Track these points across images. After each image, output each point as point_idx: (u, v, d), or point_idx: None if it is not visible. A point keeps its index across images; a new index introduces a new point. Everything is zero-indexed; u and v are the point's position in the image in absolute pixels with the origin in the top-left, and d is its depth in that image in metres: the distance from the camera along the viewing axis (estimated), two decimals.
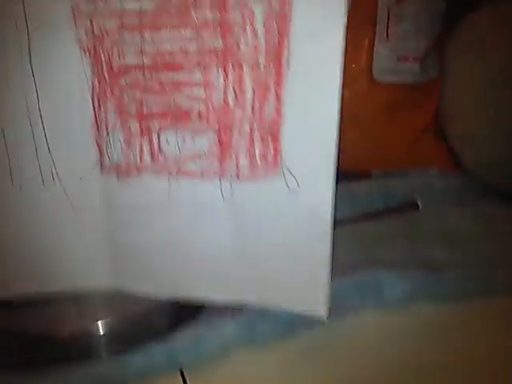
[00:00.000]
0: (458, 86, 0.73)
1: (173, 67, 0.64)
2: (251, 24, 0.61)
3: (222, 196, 0.66)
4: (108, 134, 0.66)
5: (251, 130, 0.65)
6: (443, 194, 0.79)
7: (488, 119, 0.70)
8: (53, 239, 0.67)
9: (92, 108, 0.65)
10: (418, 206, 0.72)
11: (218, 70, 0.63)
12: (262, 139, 0.65)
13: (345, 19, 0.58)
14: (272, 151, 0.65)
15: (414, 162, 0.83)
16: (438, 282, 0.52)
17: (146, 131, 0.66)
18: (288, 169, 0.66)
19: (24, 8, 0.61)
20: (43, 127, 0.66)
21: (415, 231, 0.71)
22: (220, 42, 0.62)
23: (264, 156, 0.66)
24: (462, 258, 0.63)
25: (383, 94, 0.66)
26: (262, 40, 0.61)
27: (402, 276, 0.53)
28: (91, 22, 0.63)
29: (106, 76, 0.64)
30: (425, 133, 0.80)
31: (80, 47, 0.64)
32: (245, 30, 0.61)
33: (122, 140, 0.66)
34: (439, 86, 0.77)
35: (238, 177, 0.66)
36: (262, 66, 0.62)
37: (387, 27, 0.76)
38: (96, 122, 0.65)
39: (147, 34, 0.63)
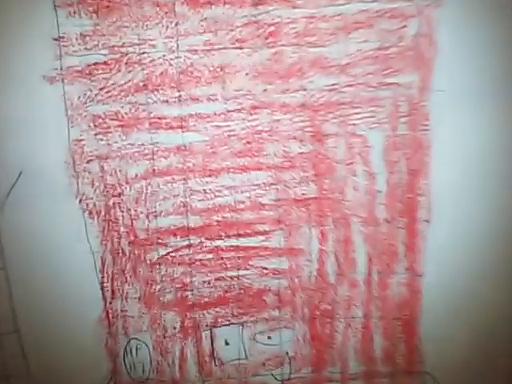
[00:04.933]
0: None
1: (236, 229, 0.57)
2: (364, 160, 0.55)
3: None
4: (128, 336, 0.58)
5: (367, 317, 0.58)
6: None
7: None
8: None
9: (101, 298, 0.58)
10: None
11: (309, 229, 0.56)
12: (387, 332, 0.58)
13: None
14: (404, 350, 0.59)
15: None
16: None
17: (191, 328, 0.59)
18: (434, 377, 0.59)
19: None
20: None
21: None
22: (313, 187, 0.55)
23: (390, 357, 0.59)
24: None
25: None
26: (384, 183, 0.55)
27: None
28: (102, 167, 0.56)
29: (126, 249, 0.57)
30: None
31: (82, 208, 0.56)
32: (353, 168, 0.55)
33: (150, 344, 0.59)
34: None
35: None
36: (383, 223, 0.56)
37: None
38: (108, 318, 0.58)
39: (195, 182, 0.56)
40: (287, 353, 0.59)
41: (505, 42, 0.52)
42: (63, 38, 0.52)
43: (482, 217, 0.56)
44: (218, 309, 0.58)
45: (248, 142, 0.55)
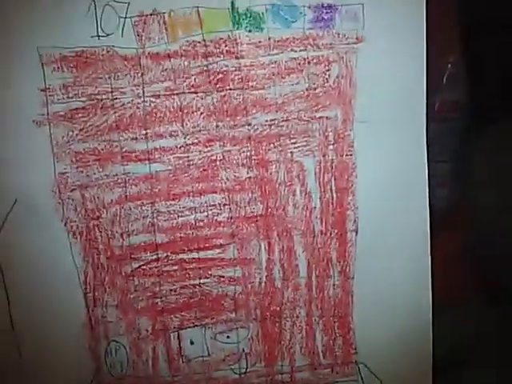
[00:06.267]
0: None
1: (197, 243, 0.61)
2: (301, 182, 0.60)
3: None
4: (108, 338, 0.61)
5: (309, 316, 0.62)
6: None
7: None
8: None
9: (84, 305, 0.61)
10: None
11: (258, 242, 0.61)
12: (326, 328, 0.63)
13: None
14: (341, 344, 0.63)
15: None
16: None
17: (161, 331, 0.62)
18: (366, 365, 0.63)
19: None
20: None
21: None
22: (260, 206, 0.60)
23: (330, 351, 0.63)
24: None
25: None
26: (318, 201, 0.60)
27: None
28: (83, 195, 0.60)
29: (104, 263, 0.61)
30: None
31: (67, 230, 0.60)
32: (293, 189, 0.60)
33: (127, 345, 0.62)
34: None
35: (293, 383, 0.63)
36: (319, 234, 0.61)
37: None
38: (90, 323, 0.61)
39: (161, 205, 0.60)
40: (243, 350, 0.62)
41: (410, 73, 0.58)
42: (49, 88, 0.57)
43: (401, 225, 0.60)
44: (183, 313, 0.61)
45: (204, 170, 0.59)
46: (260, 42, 0.57)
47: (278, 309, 0.61)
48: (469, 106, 0.61)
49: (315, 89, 0.58)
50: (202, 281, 0.61)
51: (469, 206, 0.63)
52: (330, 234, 0.61)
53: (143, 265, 0.61)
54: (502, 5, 0.58)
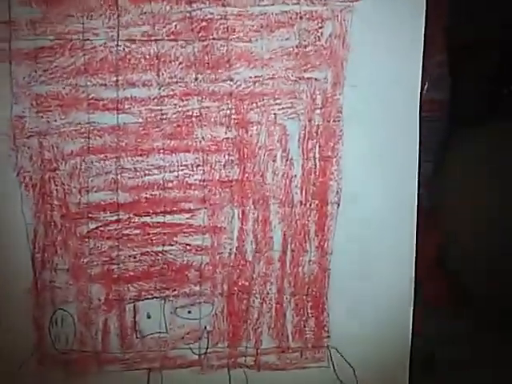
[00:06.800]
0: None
1: (163, 206, 0.66)
2: (283, 147, 0.66)
3: None
4: (54, 306, 0.66)
5: (280, 294, 0.68)
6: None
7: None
8: None
9: (31, 267, 0.65)
10: None
11: (231, 209, 0.66)
12: (298, 308, 0.68)
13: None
14: (314, 326, 0.68)
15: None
16: None
17: (115, 301, 0.66)
18: (338, 350, 0.68)
19: None
20: None
21: None
22: (236, 170, 0.66)
23: (301, 333, 0.68)
24: None
25: None
26: (299, 168, 0.66)
27: None
28: (40, 143, 0.64)
29: (58, 221, 0.65)
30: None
31: (19, 180, 0.64)
32: (273, 154, 0.66)
33: (75, 315, 0.66)
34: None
35: (258, 367, 0.68)
36: (298, 205, 0.66)
37: None
38: (36, 287, 0.65)
39: (126, 161, 0.65)
40: (205, 327, 0.66)
41: (407, 43, 0.64)
42: (14, 22, 0.61)
43: (387, 202, 0.66)
44: (142, 282, 0.66)
45: (178, 126, 0.64)
46: None
47: (247, 284, 0.66)
48: (452, 106, 0.68)
49: (306, 46, 0.63)
50: (165, 248, 0.65)
51: (447, 208, 0.70)
52: (310, 205, 0.66)
53: (101, 226, 0.65)
54: (490, 6, 0.66)
